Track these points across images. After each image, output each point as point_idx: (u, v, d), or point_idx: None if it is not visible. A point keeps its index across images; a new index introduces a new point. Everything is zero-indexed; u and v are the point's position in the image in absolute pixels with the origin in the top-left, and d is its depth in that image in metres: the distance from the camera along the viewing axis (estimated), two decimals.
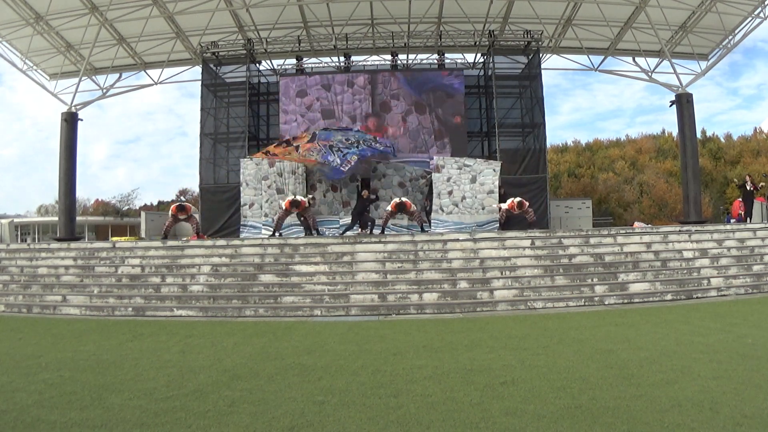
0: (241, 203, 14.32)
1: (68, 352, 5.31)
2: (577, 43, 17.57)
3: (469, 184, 13.81)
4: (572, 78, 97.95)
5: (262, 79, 18.16)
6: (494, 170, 14.08)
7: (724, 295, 8.42)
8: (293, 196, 12.16)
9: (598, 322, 6.45)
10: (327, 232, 13.13)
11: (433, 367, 4.38)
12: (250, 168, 14.42)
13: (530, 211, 12.88)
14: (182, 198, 12.61)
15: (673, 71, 15.95)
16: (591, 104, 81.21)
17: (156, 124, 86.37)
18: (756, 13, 15.39)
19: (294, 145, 13.95)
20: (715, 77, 69.95)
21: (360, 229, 12.48)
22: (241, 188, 14.37)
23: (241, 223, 14.22)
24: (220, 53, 16.31)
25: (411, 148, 16.75)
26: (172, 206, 12.56)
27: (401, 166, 14.93)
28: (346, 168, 13.07)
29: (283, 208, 11.98)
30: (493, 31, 16.09)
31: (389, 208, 11.82)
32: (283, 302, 8.11)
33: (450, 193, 13.85)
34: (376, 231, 11.70)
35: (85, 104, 17.44)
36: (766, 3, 14.99)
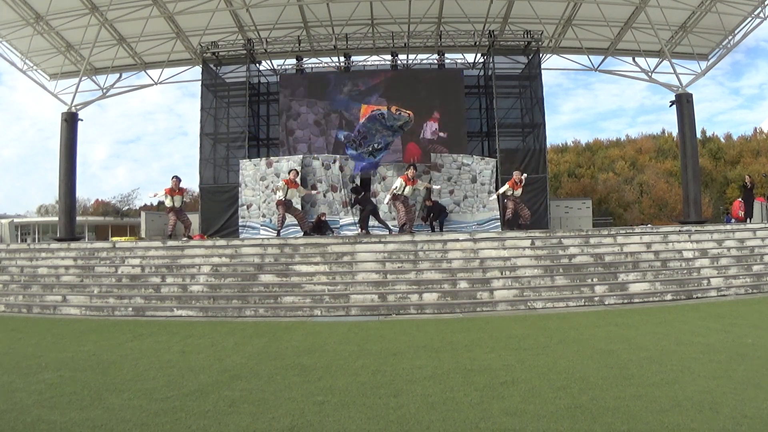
0: (240, 204, 14.34)
1: (68, 352, 5.30)
2: (577, 43, 17.57)
3: (470, 184, 13.84)
4: (574, 77, 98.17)
5: (262, 79, 18.17)
6: (492, 170, 14.12)
7: (724, 295, 8.42)
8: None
9: (598, 322, 6.44)
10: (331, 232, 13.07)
11: (433, 367, 4.38)
12: (248, 169, 14.46)
13: (526, 211, 11.94)
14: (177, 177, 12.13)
15: (673, 71, 15.95)
16: (592, 104, 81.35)
17: (156, 124, 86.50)
18: (756, 13, 15.40)
19: None
20: (717, 77, 70.12)
21: (362, 229, 12.48)
22: (240, 189, 14.40)
23: (240, 223, 14.24)
24: (220, 53, 16.32)
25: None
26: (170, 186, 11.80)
27: (401, 165, 14.81)
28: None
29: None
30: (493, 31, 16.10)
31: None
32: (283, 302, 8.11)
33: (451, 192, 13.87)
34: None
35: (85, 104, 17.45)
36: (766, 3, 15.00)
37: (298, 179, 12.20)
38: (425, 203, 13.36)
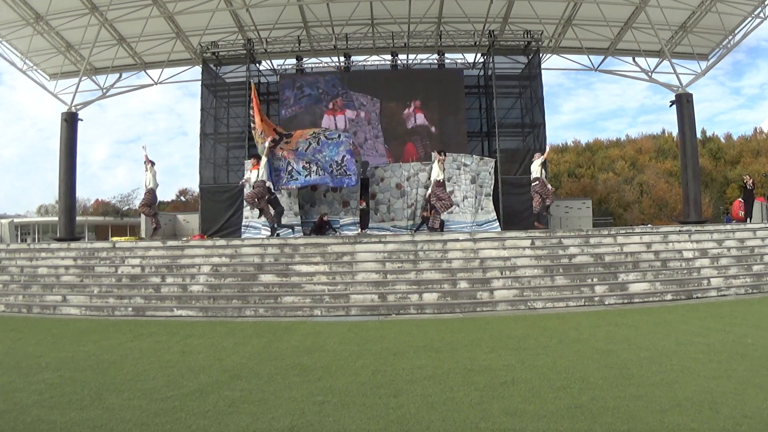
0: (244, 204, 14.35)
1: (68, 352, 5.31)
2: (577, 43, 17.57)
3: (470, 185, 13.83)
4: (575, 77, 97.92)
5: (262, 79, 18.16)
6: (489, 172, 14.13)
7: (724, 295, 8.43)
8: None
9: (598, 322, 6.45)
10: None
11: (433, 367, 4.38)
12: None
13: (537, 197, 11.60)
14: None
15: (673, 71, 15.94)
16: (593, 104, 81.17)
17: (156, 124, 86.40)
18: (756, 13, 15.39)
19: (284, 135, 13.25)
20: (718, 77, 69.89)
21: (360, 229, 12.49)
22: (245, 189, 14.41)
23: (243, 223, 14.25)
24: (220, 53, 16.30)
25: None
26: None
27: (397, 165, 14.78)
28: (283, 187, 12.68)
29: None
30: (493, 31, 16.08)
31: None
32: (283, 302, 8.11)
33: (451, 193, 13.87)
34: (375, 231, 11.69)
35: (85, 104, 17.43)
36: (766, 3, 14.99)
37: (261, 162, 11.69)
38: (422, 214, 13.36)
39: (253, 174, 11.65)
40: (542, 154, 11.90)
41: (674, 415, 3.09)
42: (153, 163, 12.37)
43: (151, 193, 12.25)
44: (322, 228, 13.06)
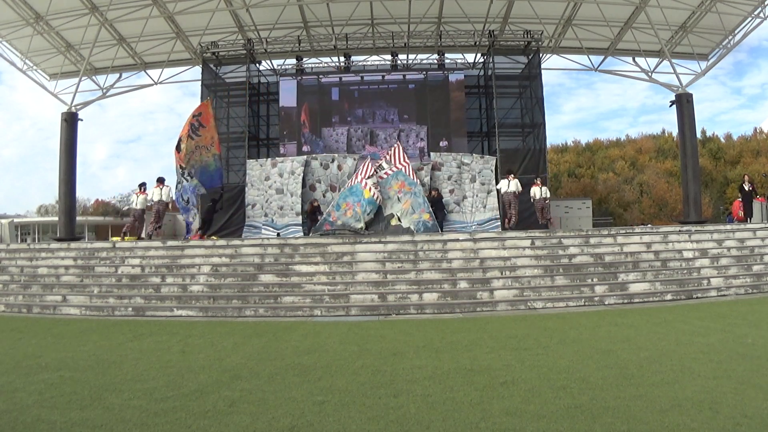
0: (246, 203, 14.38)
1: (68, 352, 5.31)
2: (577, 43, 17.56)
3: (470, 184, 13.83)
4: (576, 77, 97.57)
5: (262, 79, 18.16)
6: (491, 170, 14.11)
7: (724, 295, 8.43)
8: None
9: (598, 322, 6.45)
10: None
11: (433, 367, 4.38)
12: (255, 169, 14.53)
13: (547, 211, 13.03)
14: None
15: (673, 71, 15.94)
16: (594, 103, 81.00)
17: (156, 124, 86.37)
18: (756, 13, 15.38)
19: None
20: (719, 76, 69.67)
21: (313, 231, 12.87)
22: (246, 189, 14.46)
23: (246, 222, 14.28)
24: (220, 53, 16.31)
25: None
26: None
27: (365, 156, 14.91)
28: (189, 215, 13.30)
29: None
30: (493, 31, 16.09)
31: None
32: (283, 302, 8.11)
33: (451, 192, 13.87)
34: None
35: (85, 104, 17.43)
36: (766, 3, 14.98)
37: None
38: (431, 193, 13.37)
39: (157, 193, 12.57)
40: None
41: (674, 415, 3.09)
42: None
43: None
44: (314, 214, 13.26)
